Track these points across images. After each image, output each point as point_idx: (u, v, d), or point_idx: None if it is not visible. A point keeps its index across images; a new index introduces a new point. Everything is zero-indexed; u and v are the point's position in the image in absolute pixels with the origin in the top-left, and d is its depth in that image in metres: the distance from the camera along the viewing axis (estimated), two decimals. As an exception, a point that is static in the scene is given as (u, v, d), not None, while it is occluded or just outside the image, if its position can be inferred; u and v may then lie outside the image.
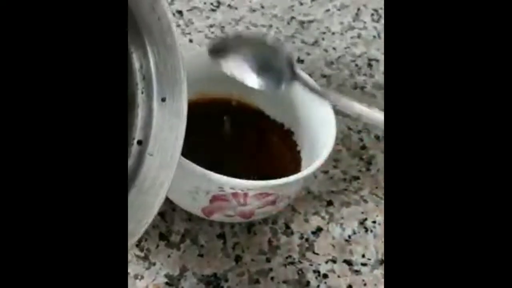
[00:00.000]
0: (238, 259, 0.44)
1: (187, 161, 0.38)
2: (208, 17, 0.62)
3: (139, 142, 0.36)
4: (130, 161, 0.36)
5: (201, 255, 0.43)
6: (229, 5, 0.64)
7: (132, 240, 0.34)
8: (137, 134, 0.37)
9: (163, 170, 0.36)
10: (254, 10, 0.64)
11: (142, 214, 0.35)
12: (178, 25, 0.60)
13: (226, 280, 0.42)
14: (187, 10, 0.62)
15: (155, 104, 0.37)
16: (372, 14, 0.66)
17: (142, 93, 0.37)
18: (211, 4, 0.63)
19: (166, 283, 0.41)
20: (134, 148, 0.36)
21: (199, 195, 0.40)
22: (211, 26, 0.61)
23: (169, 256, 0.43)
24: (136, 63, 0.37)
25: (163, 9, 0.35)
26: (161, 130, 0.37)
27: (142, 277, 0.41)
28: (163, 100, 0.37)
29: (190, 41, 0.59)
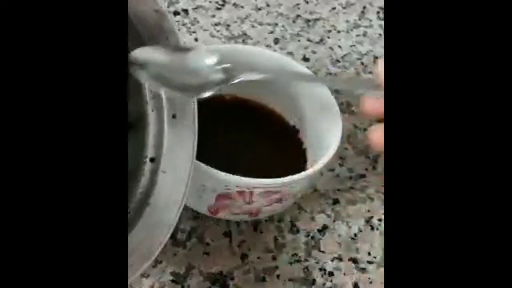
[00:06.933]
0: (244, 257, 0.44)
1: (193, 159, 0.38)
2: (213, 16, 0.62)
3: (152, 160, 0.36)
4: (144, 180, 0.36)
5: (207, 253, 0.43)
6: (234, 4, 0.64)
7: (149, 260, 0.34)
8: (149, 152, 0.37)
9: (177, 187, 0.35)
10: (259, 9, 0.64)
11: (158, 232, 0.34)
12: (184, 24, 0.60)
13: (232, 278, 0.42)
14: (193, 9, 0.62)
15: (166, 121, 0.37)
16: (378, 12, 0.66)
17: (153, 111, 0.37)
18: (217, 2, 0.63)
19: (172, 281, 0.42)
20: (147, 166, 0.36)
21: (205, 193, 0.40)
22: (216, 24, 0.61)
23: (175, 254, 0.43)
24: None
25: (171, 27, 0.34)
26: (173, 146, 0.36)
27: (148, 276, 0.41)
28: (174, 116, 0.36)
29: (196, 39, 0.59)
